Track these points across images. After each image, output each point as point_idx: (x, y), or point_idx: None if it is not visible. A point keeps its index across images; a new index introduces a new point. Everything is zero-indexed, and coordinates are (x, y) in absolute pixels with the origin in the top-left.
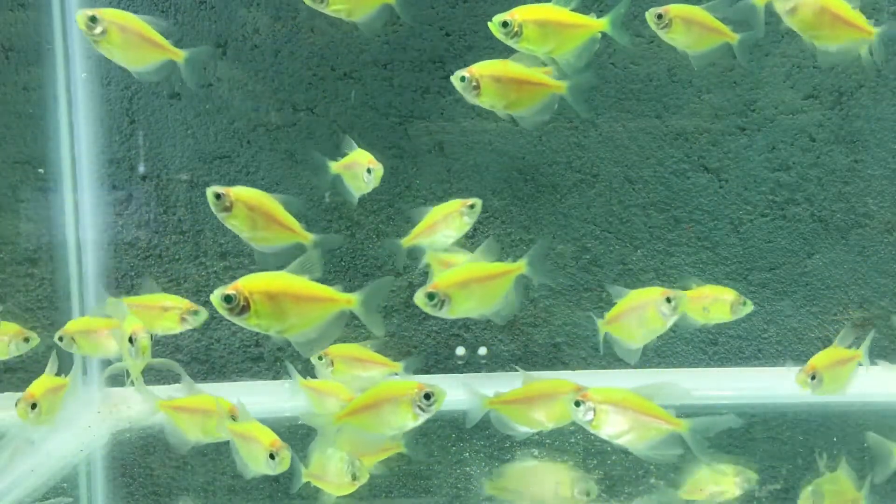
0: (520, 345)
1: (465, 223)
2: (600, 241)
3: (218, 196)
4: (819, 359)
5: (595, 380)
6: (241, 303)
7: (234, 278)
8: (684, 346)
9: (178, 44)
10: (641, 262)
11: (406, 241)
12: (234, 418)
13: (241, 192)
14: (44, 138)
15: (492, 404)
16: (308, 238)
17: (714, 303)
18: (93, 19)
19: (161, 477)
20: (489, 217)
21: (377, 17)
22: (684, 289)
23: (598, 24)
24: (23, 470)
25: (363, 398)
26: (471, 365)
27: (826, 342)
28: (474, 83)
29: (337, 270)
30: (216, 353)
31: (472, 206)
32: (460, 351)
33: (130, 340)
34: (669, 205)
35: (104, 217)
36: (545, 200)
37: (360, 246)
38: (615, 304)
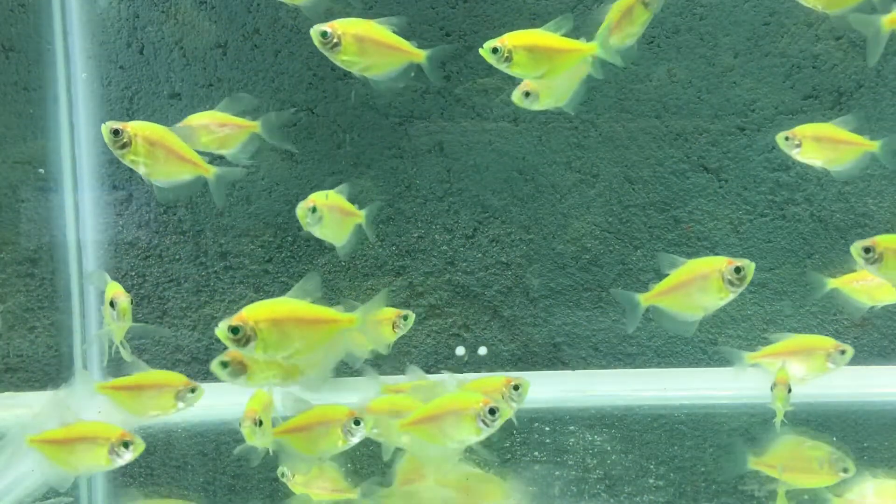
0: (519, 345)
1: None
2: (600, 241)
3: (116, 132)
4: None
5: (595, 380)
6: (248, 333)
7: (234, 278)
8: (684, 345)
9: (179, 43)
10: (641, 262)
11: None
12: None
13: (139, 127)
14: (44, 138)
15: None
16: (210, 171)
17: (879, 286)
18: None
19: (161, 477)
20: (489, 217)
21: (400, 75)
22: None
23: (588, 49)
24: (23, 470)
25: (427, 408)
26: (471, 365)
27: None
28: (506, 54)
29: (337, 270)
30: (216, 353)
31: None
32: (460, 351)
33: (111, 304)
34: (669, 205)
35: (104, 217)
36: (545, 200)
37: (360, 246)
38: (666, 275)
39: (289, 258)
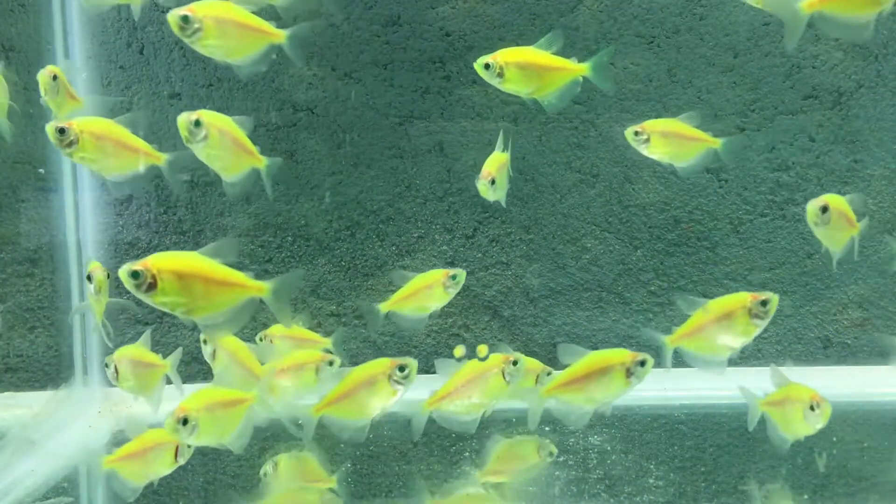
0: (520, 345)
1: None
2: (600, 241)
3: (62, 131)
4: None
5: None
6: (149, 279)
7: None
8: None
9: (179, 43)
10: (641, 262)
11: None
12: None
13: (85, 122)
14: (44, 138)
15: (432, 405)
16: (161, 158)
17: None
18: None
19: (161, 477)
20: (489, 217)
21: (261, 58)
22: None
23: (579, 69)
24: (23, 470)
25: (338, 388)
26: None
27: (826, 342)
28: (498, 70)
29: (337, 270)
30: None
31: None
32: (459, 351)
33: (88, 278)
34: (669, 205)
35: (104, 217)
36: (545, 200)
37: (360, 246)
38: (689, 316)
39: (289, 258)
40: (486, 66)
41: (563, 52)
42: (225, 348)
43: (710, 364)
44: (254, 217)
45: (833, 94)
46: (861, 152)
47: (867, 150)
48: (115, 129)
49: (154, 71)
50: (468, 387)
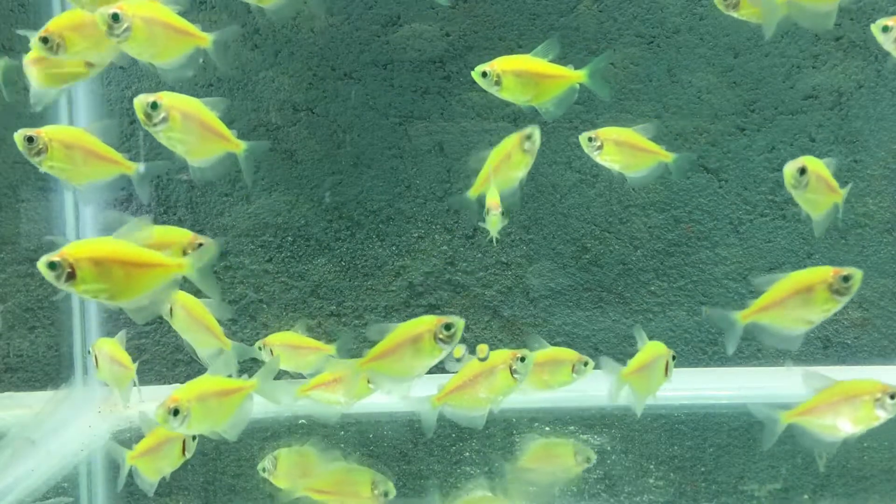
0: (520, 345)
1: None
2: (600, 241)
3: (30, 139)
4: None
5: (595, 380)
6: (67, 269)
7: (234, 278)
8: (684, 346)
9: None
10: (641, 262)
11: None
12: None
13: (54, 131)
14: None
15: (440, 401)
16: (132, 167)
17: None
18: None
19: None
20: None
21: (188, 62)
22: None
23: (576, 76)
24: (23, 470)
25: (384, 343)
26: None
27: (826, 342)
28: (495, 78)
29: (337, 270)
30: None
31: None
32: (458, 352)
33: None
34: (669, 205)
35: (104, 217)
36: (545, 200)
37: (360, 246)
38: (763, 292)
39: (289, 258)
40: (484, 75)
41: (563, 52)
42: (182, 306)
43: (785, 340)
44: (254, 217)
45: (833, 94)
46: (861, 152)
47: (867, 150)
48: (85, 137)
49: (154, 71)
50: (476, 382)
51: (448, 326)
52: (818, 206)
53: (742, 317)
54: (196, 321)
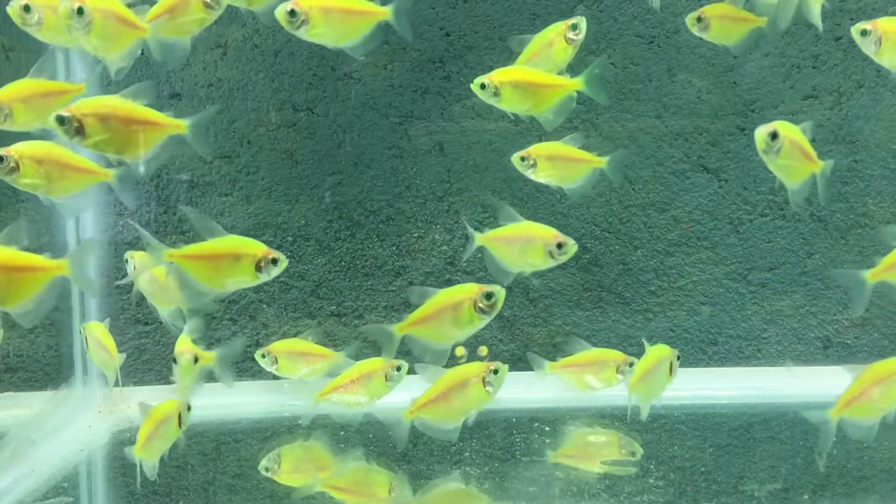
0: (520, 344)
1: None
2: (600, 241)
3: (0, 158)
4: None
5: None
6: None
7: None
8: (684, 345)
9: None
10: (641, 262)
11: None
12: None
13: (24, 148)
14: (44, 138)
15: (412, 414)
16: (109, 175)
17: None
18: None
19: (161, 477)
20: (489, 217)
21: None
22: None
23: (573, 84)
24: (23, 470)
25: (424, 308)
26: None
27: (826, 342)
28: (493, 90)
29: (337, 270)
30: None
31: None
32: (460, 351)
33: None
34: (669, 205)
35: (104, 217)
36: (545, 200)
37: (360, 246)
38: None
39: (289, 258)
40: (482, 86)
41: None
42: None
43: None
44: (254, 217)
45: (833, 94)
46: (861, 152)
47: (867, 150)
48: (56, 150)
49: (154, 71)
50: (449, 395)
51: (489, 296)
52: (792, 175)
53: (871, 275)
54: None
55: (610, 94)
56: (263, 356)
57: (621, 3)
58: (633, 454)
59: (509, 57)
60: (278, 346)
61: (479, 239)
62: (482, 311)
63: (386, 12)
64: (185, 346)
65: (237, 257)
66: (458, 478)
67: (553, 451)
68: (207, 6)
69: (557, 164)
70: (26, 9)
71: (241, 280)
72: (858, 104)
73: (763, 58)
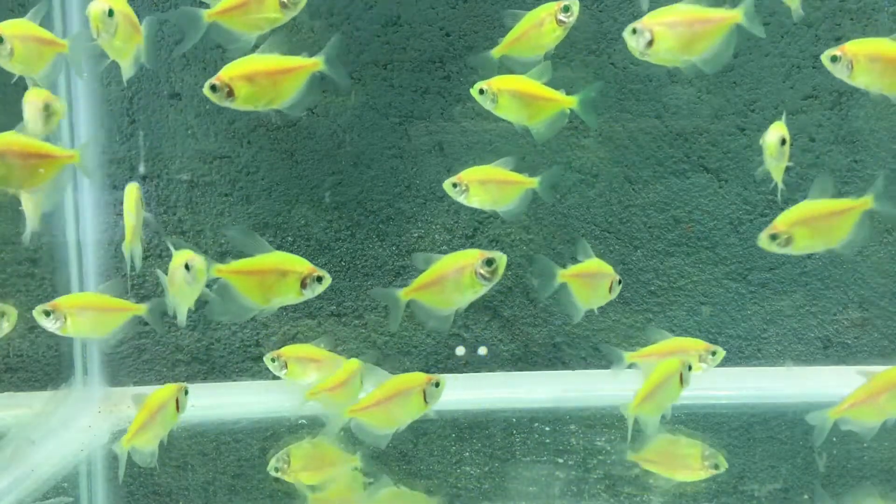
0: (519, 345)
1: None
2: (600, 241)
3: None
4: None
5: (595, 380)
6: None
7: None
8: None
9: (179, 43)
10: (641, 262)
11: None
12: None
13: None
14: (44, 139)
15: (353, 413)
16: (75, 155)
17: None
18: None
19: (161, 477)
20: (489, 217)
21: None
22: None
23: (567, 101)
24: (23, 470)
25: (428, 274)
26: (470, 365)
27: (826, 342)
28: (492, 97)
29: (337, 270)
30: (216, 353)
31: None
32: (460, 351)
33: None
34: (669, 205)
35: (104, 217)
36: (545, 200)
37: (360, 246)
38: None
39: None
40: (481, 92)
41: (563, 52)
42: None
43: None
44: (254, 217)
45: (833, 94)
46: (861, 152)
47: (867, 150)
48: (16, 140)
49: (154, 71)
50: (389, 402)
51: (489, 262)
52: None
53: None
54: None
55: (599, 118)
56: (273, 360)
57: (621, 3)
58: (716, 467)
59: (509, 56)
60: (289, 351)
61: (561, 276)
62: (483, 278)
63: (317, 63)
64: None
65: (283, 273)
66: (388, 482)
67: (634, 452)
68: (283, 6)
69: (490, 187)
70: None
71: (287, 297)
72: (858, 104)
73: (763, 58)
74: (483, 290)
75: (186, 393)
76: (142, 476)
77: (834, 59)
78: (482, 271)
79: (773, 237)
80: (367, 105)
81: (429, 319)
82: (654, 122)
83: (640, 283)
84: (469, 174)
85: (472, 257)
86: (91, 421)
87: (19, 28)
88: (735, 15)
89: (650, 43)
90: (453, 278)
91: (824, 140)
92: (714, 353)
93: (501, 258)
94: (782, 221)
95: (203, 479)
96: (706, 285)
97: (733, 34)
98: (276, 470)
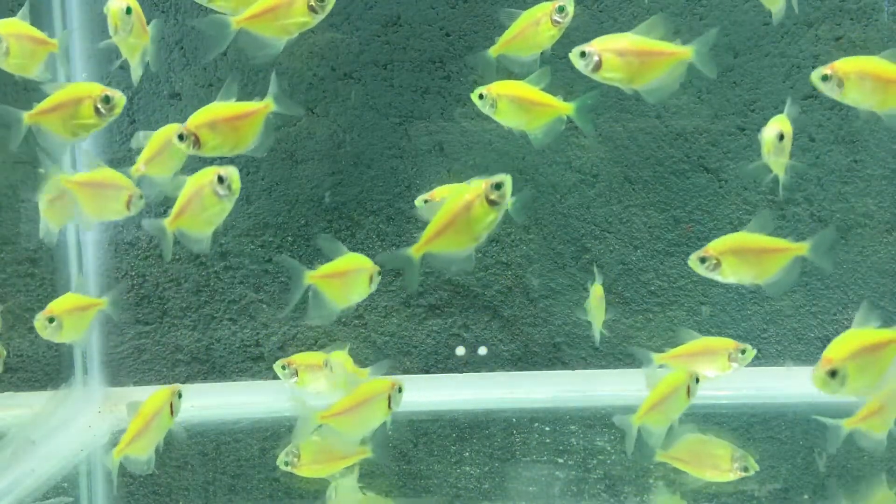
0: (519, 345)
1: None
2: (600, 241)
3: None
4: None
5: (595, 380)
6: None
7: (234, 278)
8: None
9: (179, 43)
10: (641, 262)
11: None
12: None
13: None
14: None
15: (324, 419)
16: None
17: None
18: None
19: (161, 477)
20: None
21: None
22: None
23: (564, 108)
24: (23, 470)
25: (436, 221)
26: (470, 365)
27: (826, 342)
28: (491, 101)
29: None
30: (216, 353)
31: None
32: (460, 351)
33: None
34: (669, 205)
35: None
36: (545, 200)
37: (360, 246)
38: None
39: (289, 258)
40: (481, 97)
41: (563, 52)
42: None
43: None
44: (254, 217)
45: None
46: (861, 152)
47: (867, 150)
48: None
49: (154, 71)
50: (357, 409)
51: (498, 185)
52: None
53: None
54: None
55: (599, 118)
56: (284, 367)
57: (621, 3)
58: (745, 469)
59: (505, 55)
60: (299, 359)
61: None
62: (494, 203)
63: (269, 105)
64: None
65: (359, 272)
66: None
67: (662, 451)
68: (311, 10)
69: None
70: None
71: (361, 293)
72: None
73: (763, 58)
74: (497, 216)
75: (180, 396)
76: (142, 476)
77: (825, 77)
78: (492, 197)
79: (703, 259)
80: (367, 105)
81: (450, 265)
82: (654, 122)
83: (640, 283)
84: (442, 192)
85: (477, 188)
86: (91, 421)
87: (14, 27)
88: (686, 52)
89: (597, 67)
90: (463, 217)
91: (824, 140)
92: (744, 352)
93: (506, 178)
94: (715, 246)
95: (203, 479)
96: (706, 285)
97: (682, 70)
98: (286, 464)
